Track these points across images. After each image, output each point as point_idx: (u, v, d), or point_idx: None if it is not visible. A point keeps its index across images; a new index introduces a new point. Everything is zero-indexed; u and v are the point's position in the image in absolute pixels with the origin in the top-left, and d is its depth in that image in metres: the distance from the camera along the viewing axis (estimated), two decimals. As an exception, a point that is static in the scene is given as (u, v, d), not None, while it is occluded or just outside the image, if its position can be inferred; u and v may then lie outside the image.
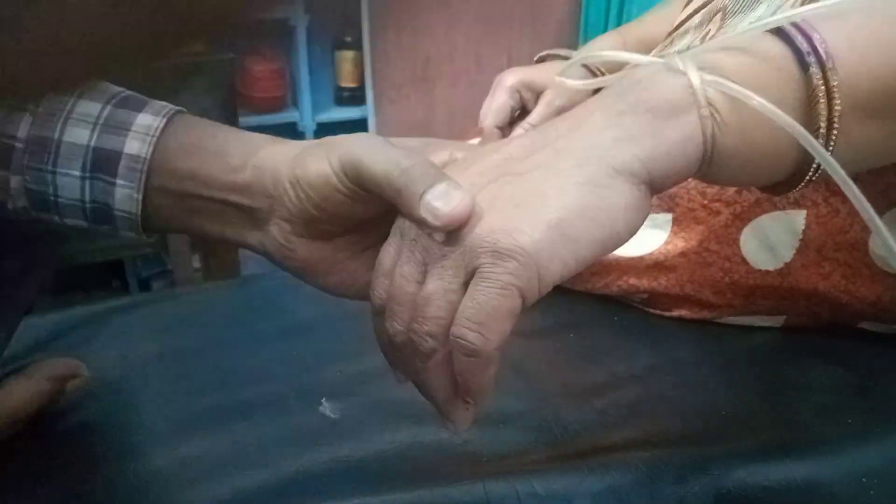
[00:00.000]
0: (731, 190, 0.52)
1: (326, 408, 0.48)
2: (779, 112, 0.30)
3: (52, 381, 0.47)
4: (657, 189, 0.32)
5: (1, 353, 0.47)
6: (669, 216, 0.55)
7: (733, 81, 0.30)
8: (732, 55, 0.32)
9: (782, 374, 0.52)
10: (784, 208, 0.50)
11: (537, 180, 0.31)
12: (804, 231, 0.50)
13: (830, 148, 0.31)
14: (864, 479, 0.42)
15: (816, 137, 0.31)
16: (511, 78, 0.70)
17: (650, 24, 0.75)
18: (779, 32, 0.32)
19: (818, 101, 0.31)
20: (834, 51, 0.31)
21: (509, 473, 0.41)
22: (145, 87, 0.39)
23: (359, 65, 2.18)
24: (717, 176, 0.33)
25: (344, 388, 0.50)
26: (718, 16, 0.55)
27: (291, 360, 0.54)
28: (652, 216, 0.56)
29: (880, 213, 0.47)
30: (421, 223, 0.32)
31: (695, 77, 0.31)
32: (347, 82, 2.21)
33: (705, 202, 0.53)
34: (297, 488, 0.41)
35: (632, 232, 0.31)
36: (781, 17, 0.32)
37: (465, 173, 0.33)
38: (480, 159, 0.34)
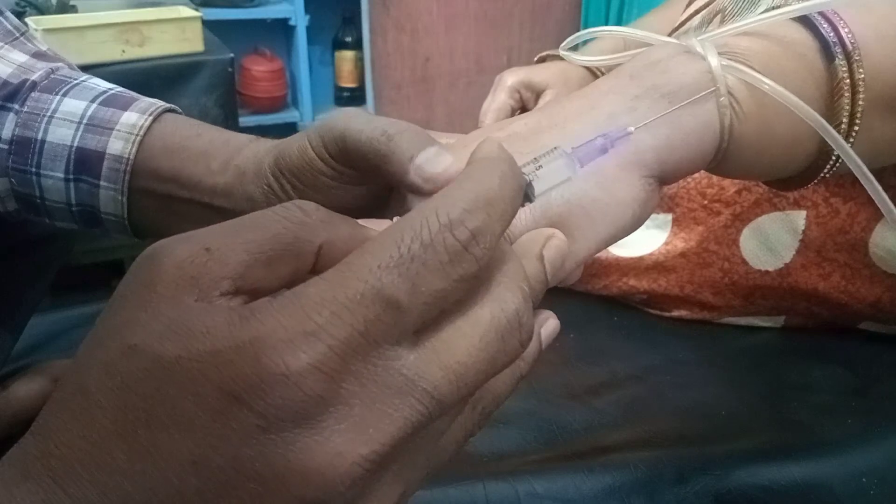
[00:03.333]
0: (731, 191, 0.52)
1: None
2: (804, 105, 0.29)
3: (52, 382, 0.47)
4: (667, 181, 0.30)
5: (8, 353, 0.47)
6: (669, 217, 0.55)
7: (753, 69, 0.29)
8: (754, 41, 0.31)
9: (782, 374, 0.52)
10: (784, 209, 0.50)
11: None
12: (804, 232, 0.50)
13: (850, 143, 0.30)
14: (864, 479, 0.42)
15: (837, 132, 0.30)
16: (511, 77, 0.70)
17: (651, 24, 0.75)
18: (803, 21, 0.31)
19: (842, 94, 0.30)
20: (860, 42, 0.30)
21: (509, 473, 0.41)
22: (145, 86, 0.38)
23: (359, 65, 2.18)
24: (728, 168, 0.31)
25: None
26: (718, 17, 0.55)
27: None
28: (652, 216, 0.56)
29: (879, 219, 0.47)
30: (411, 189, 0.30)
31: (714, 62, 0.29)
32: (347, 82, 2.21)
33: (705, 203, 0.53)
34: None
35: (638, 226, 0.30)
36: (807, 6, 0.30)
37: (464, 151, 0.31)
38: (482, 137, 0.32)
